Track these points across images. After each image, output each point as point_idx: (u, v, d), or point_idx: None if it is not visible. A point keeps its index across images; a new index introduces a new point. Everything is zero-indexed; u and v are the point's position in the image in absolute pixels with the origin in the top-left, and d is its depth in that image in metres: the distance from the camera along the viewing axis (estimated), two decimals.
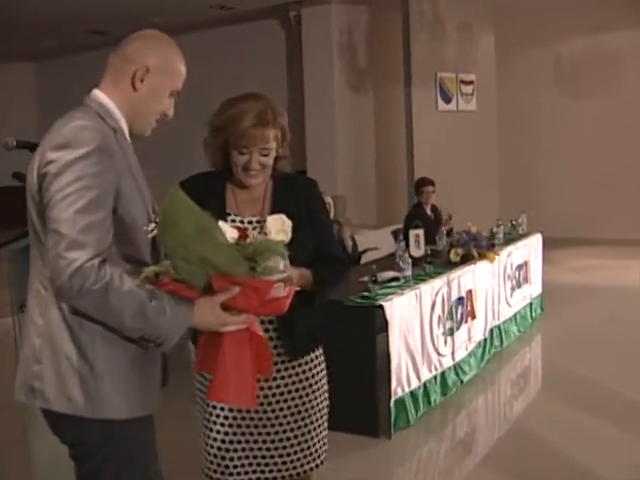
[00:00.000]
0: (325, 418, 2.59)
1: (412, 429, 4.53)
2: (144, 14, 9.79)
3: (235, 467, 2.48)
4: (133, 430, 1.96)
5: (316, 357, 2.55)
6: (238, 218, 2.43)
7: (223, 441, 2.47)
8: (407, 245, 5.30)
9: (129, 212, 1.92)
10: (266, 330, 2.40)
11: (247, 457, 2.48)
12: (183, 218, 1.85)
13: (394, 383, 4.39)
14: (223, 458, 2.48)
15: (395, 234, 6.87)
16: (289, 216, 2.32)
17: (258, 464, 2.48)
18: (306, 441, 2.51)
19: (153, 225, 2.01)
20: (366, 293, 4.46)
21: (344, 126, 9.79)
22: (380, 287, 4.60)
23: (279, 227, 2.29)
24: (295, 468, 2.50)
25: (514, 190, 10.34)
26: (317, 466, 2.55)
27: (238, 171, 2.39)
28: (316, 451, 2.54)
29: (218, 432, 2.47)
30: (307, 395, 2.51)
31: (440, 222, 6.71)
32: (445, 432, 4.69)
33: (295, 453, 2.49)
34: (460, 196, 9.13)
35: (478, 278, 5.56)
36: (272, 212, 2.38)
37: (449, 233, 6.28)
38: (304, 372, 2.50)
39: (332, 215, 6.14)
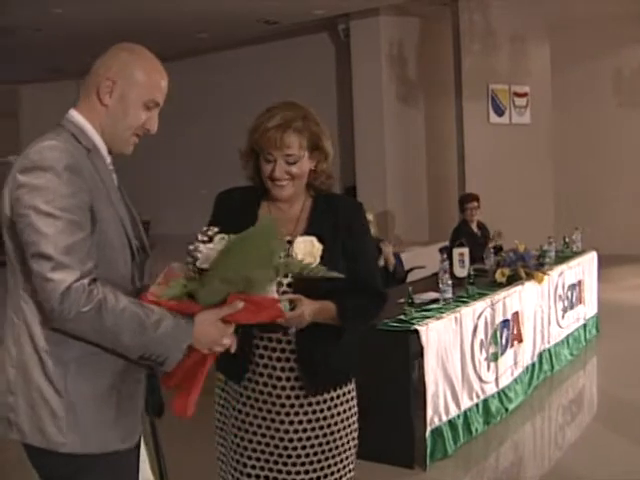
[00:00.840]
0: (351, 459, 2.40)
1: (450, 460, 4.30)
2: (190, 31, 9.83)
3: None
4: (108, 464, 1.88)
5: (343, 394, 2.36)
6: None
7: (249, 475, 2.33)
8: (451, 264, 5.10)
9: (104, 232, 1.85)
10: (287, 360, 2.28)
11: None
12: (264, 248, 1.87)
13: (430, 412, 4.17)
14: None
15: (442, 252, 6.64)
16: (322, 240, 2.18)
17: None
18: (326, 477, 2.32)
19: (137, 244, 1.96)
20: (402, 316, 4.25)
21: (394, 140, 9.61)
22: (418, 310, 4.39)
23: (308, 250, 2.16)
24: None
25: (570, 206, 9.99)
26: None
27: (267, 182, 2.27)
28: None
29: (246, 462, 2.33)
30: (332, 434, 2.32)
31: (487, 240, 6.46)
32: (488, 463, 4.46)
33: None
34: (513, 212, 8.85)
35: (525, 299, 5.28)
36: (306, 233, 2.23)
37: (497, 251, 6.02)
38: (329, 409, 2.32)
39: (373, 232, 5.96)
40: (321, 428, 2.31)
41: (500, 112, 9.35)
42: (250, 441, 2.32)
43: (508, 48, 9.20)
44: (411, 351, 4.10)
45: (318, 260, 2.13)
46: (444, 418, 4.30)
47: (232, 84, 11.53)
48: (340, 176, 10.92)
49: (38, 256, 1.73)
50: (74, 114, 1.92)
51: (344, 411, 2.36)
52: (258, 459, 2.32)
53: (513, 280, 5.23)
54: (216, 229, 1.97)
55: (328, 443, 2.32)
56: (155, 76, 1.94)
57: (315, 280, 2.06)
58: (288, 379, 2.28)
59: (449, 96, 9.32)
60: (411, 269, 6.71)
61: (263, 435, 2.31)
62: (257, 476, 2.33)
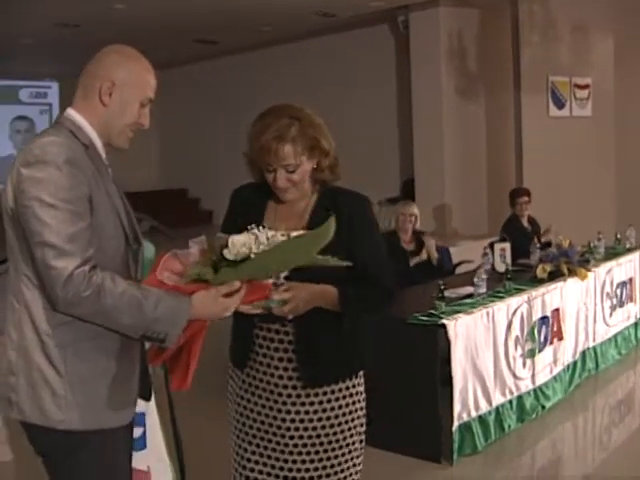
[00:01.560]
0: (356, 454, 2.39)
1: (480, 456, 4.26)
2: (253, 24, 9.92)
3: None
4: (103, 441, 1.98)
5: (346, 388, 2.36)
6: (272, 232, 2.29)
7: (249, 460, 2.39)
8: None
9: (101, 224, 1.96)
10: (285, 350, 2.31)
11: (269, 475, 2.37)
12: (314, 249, 2.00)
13: (458, 407, 4.14)
14: (244, 469, 2.41)
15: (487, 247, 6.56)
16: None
17: None
18: (328, 475, 2.33)
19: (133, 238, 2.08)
20: (432, 310, 4.24)
21: (452, 133, 9.49)
22: (450, 304, 4.36)
23: None
24: None
25: (632, 202, 9.67)
26: None
27: (272, 188, 2.32)
28: None
29: (247, 447, 2.39)
30: (332, 427, 2.33)
31: (537, 235, 6.34)
32: (522, 460, 4.41)
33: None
34: (572, 207, 8.66)
35: (567, 296, 5.18)
36: (308, 228, 2.25)
37: (546, 246, 5.92)
38: (329, 401, 2.33)
39: (419, 226, 5.92)
40: (320, 420, 2.31)
41: (560, 105, 9.13)
42: (251, 427, 2.38)
43: (569, 38, 8.97)
44: (438, 345, 4.08)
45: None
46: (473, 413, 4.26)
47: (294, 76, 11.60)
48: (399, 169, 10.90)
49: (42, 244, 1.84)
50: (72, 113, 2.03)
51: (347, 405, 2.35)
52: (258, 445, 2.36)
53: (555, 276, 5.13)
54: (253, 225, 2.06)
55: (327, 436, 2.32)
56: (147, 75, 2.08)
57: (313, 271, 2.10)
58: (286, 369, 2.31)
59: (509, 89, 9.16)
60: (459, 263, 6.66)
61: (262, 422, 2.35)
62: (256, 462, 2.37)
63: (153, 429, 2.89)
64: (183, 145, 13.78)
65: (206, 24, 9.92)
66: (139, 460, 2.77)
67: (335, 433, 2.33)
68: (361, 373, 2.43)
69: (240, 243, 1.99)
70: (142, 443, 2.84)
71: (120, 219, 2.03)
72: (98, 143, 2.04)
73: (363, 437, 2.43)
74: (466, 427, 4.21)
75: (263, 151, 2.24)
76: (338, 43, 11.03)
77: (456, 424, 4.13)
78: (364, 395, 2.44)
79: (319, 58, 11.31)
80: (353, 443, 2.38)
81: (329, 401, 2.33)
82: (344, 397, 2.35)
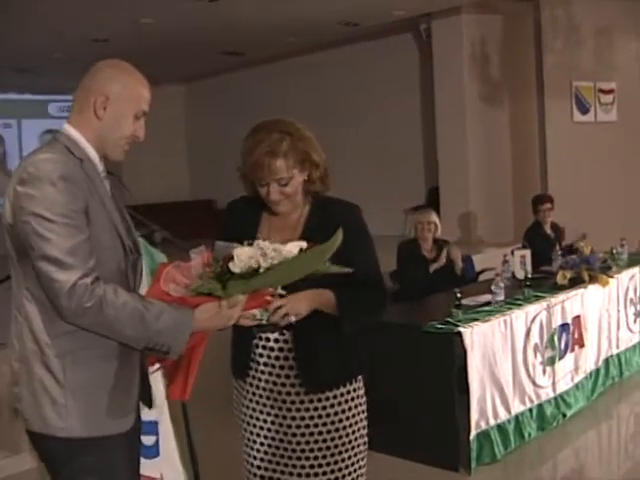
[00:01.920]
0: (360, 457, 2.45)
1: (499, 464, 4.24)
2: (278, 34, 9.99)
3: None
4: (103, 447, 2.02)
5: (347, 392, 2.42)
6: (267, 243, 2.33)
7: (259, 467, 2.45)
8: None
9: (97, 235, 1.99)
10: (285, 358, 2.36)
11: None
12: (322, 261, 2.07)
13: (476, 415, 4.13)
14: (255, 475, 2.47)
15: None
16: (316, 243, 2.21)
17: None
18: (336, 478, 2.39)
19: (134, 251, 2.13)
20: (449, 319, 4.24)
21: (476, 140, 9.46)
22: (467, 312, 4.36)
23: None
24: None
25: None
26: None
27: (266, 202, 2.37)
28: None
29: (256, 455, 2.45)
30: (337, 431, 2.38)
31: (561, 242, 6.30)
32: (543, 469, 4.38)
33: None
34: (598, 214, 8.56)
35: (589, 303, 5.13)
36: (302, 238, 2.27)
37: (569, 252, 5.87)
38: (332, 406, 2.38)
39: (439, 233, 5.89)
40: (324, 425, 2.37)
41: (584, 110, 9.06)
42: (258, 435, 2.43)
43: (592, 43, 8.89)
44: (455, 353, 4.08)
45: None
46: (492, 422, 4.25)
47: (318, 86, 11.65)
48: (424, 177, 10.88)
49: (44, 259, 1.88)
50: (68, 128, 2.07)
51: (349, 409, 2.41)
52: (266, 452, 2.42)
53: (576, 283, 5.09)
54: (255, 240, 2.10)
55: (333, 440, 2.38)
56: (140, 89, 2.09)
57: (311, 281, 2.14)
58: (288, 376, 2.36)
59: (533, 95, 9.11)
60: (482, 271, 6.63)
61: (269, 430, 2.40)
62: (266, 468, 2.43)
63: (166, 437, 2.92)
64: (211, 156, 13.90)
65: (231, 37, 10.01)
66: (152, 468, 2.82)
67: (341, 437, 2.39)
68: (360, 377, 2.48)
69: (246, 256, 2.02)
70: (155, 451, 2.87)
71: (117, 230, 2.06)
72: (94, 157, 2.07)
73: (366, 439, 2.49)
74: (484, 436, 4.19)
75: (256, 166, 2.29)
76: (362, 52, 11.06)
77: (474, 433, 4.12)
78: (365, 398, 2.49)
79: (343, 68, 11.35)
80: (358, 445, 2.44)
81: (332, 406, 2.38)
82: (346, 401, 2.41)
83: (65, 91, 13.17)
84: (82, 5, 7.93)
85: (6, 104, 12.98)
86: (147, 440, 2.80)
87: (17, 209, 1.92)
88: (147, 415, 2.69)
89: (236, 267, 2.01)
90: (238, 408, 2.51)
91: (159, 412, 2.84)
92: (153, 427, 2.84)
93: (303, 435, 2.37)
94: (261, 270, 2.01)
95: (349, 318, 2.37)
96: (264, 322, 2.20)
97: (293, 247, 2.15)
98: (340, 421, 2.38)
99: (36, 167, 1.92)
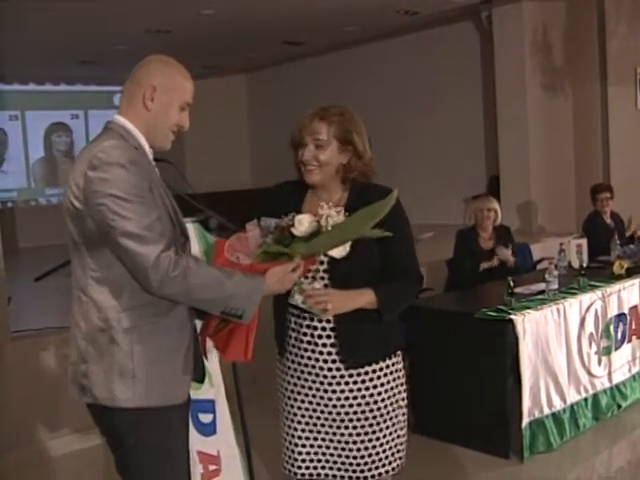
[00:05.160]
0: (399, 426, 2.57)
1: (554, 454, 4.24)
2: (337, 23, 10.02)
3: (304, 461, 2.56)
4: (165, 417, 2.16)
5: (386, 366, 2.53)
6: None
7: (300, 437, 2.56)
8: None
9: (159, 217, 2.13)
10: (328, 337, 2.48)
11: (316, 453, 2.55)
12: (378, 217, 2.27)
13: (529, 403, 4.14)
14: (294, 450, 2.57)
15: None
16: None
17: (327, 461, 2.54)
18: (374, 447, 2.51)
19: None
20: (501, 306, 4.25)
21: (538, 128, 9.33)
22: (520, 300, 4.36)
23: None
24: (362, 472, 2.51)
25: None
26: (387, 472, 2.53)
27: (301, 168, 2.49)
28: (386, 457, 2.53)
29: (297, 426, 2.56)
30: (375, 403, 2.50)
31: (620, 231, 6.21)
32: (598, 460, 4.34)
33: (362, 457, 2.50)
34: None
35: None
36: None
37: (630, 242, 5.80)
38: (371, 380, 2.50)
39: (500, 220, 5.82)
40: (363, 397, 2.48)
41: None
42: (299, 408, 2.55)
43: None
44: (507, 341, 4.09)
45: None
46: (546, 411, 4.25)
47: (378, 75, 11.63)
48: (485, 166, 10.79)
49: (126, 236, 2.02)
50: (120, 119, 2.21)
51: (387, 382, 2.52)
52: (307, 424, 2.55)
53: (634, 273, 5.03)
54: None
55: (372, 411, 2.49)
56: (184, 81, 2.25)
57: (350, 264, 2.35)
58: (330, 353, 2.47)
59: (596, 82, 8.94)
60: (540, 260, 6.59)
61: (310, 403, 2.52)
62: (304, 445, 2.55)
63: (223, 416, 3.01)
64: (272, 145, 14.03)
65: (291, 26, 10.08)
66: (209, 445, 2.92)
67: (379, 408, 2.50)
68: (399, 352, 2.58)
69: (307, 220, 2.29)
70: (212, 429, 2.96)
71: (169, 213, 2.20)
72: (146, 146, 2.21)
73: (405, 410, 2.60)
74: (539, 424, 4.20)
75: (301, 124, 2.46)
76: (422, 41, 11.00)
77: (526, 420, 4.12)
78: (403, 372, 2.59)
79: (403, 57, 11.31)
80: (396, 416, 2.55)
81: (371, 380, 2.50)
82: (385, 375, 2.52)
83: None
84: None
85: (73, 96, 13.30)
86: (205, 418, 2.91)
87: (90, 193, 2.05)
88: (205, 394, 2.83)
89: (298, 231, 2.26)
90: (282, 384, 2.62)
91: (216, 391, 2.94)
92: (211, 405, 2.94)
93: (343, 407, 2.48)
94: (323, 230, 2.26)
95: (389, 313, 2.46)
96: (303, 307, 2.37)
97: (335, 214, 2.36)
98: (379, 394, 2.50)
99: (106, 153, 2.06)
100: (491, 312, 4.18)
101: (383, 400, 2.51)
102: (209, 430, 2.95)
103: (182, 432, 2.27)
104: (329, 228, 2.28)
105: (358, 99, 11.79)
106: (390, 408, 2.53)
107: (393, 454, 2.55)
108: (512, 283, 4.31)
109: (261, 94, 14.20)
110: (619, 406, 4.75)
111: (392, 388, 2.54)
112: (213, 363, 2.81)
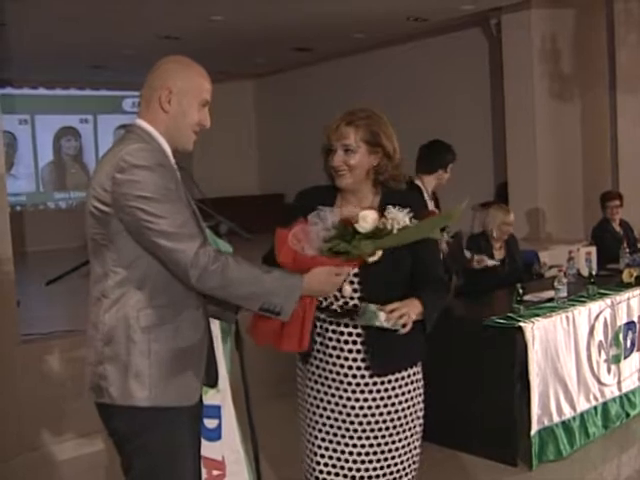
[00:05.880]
0: (416, 437, 2.57)
1: (563, 462, 4.22)
2: (346, 30, 10.04)
3: (321, 472, 2.55)
4: (172, 419, 2.17)
5: (408, 376, 2.54)
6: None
7: (319, 447, 2.55)
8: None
9: None
10: (354, 342, 2.48)
11: (334, 466, 2.53)
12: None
13: (538, 411, 4.12)
14: (312, 459, 2.57)
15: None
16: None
17: (347, 471, 2.52)
18: (393, 457, 2.51)
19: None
20: (510, 314, 4.23)
21: (546, 136, 9.32)
22: (529, 308, 4.34)
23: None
24: None
25: None
26: None
27: (332, 173, 2.51)
28: (403, 469, 2.53)
29: (317, 434, 2.56)
30: (396, 412, 2.51)
31: (630, 239, 6.19)
32: (606, 469, 4.32)
33: (382, 468, 2.50)
34: None
35: None
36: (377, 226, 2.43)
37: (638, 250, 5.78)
38: (393, 389, 2.51)
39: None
40: (385, 406, 2.49)
41: None
42: (321, 415, 2.55)
43: None
44: (516, 348, 4.07)
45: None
46: (556, 419, 4.23)
47: (386, 82, 11.64)
48: (493, 173, 10.78)
49: (162, 236, 2.06)
50: (141, 122, 2.22)
51: (408, 391, 2.53)
52: (327, 432, 2.54)
53: None
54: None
55: (392, 420, 2.50)
56: (200, 79, 2.25)
57: (380, 271, 2.37)
58: (355, 360, 2.48)
59: (605, 90, 8.92)
60: (550, 267, 6.56)
61: (332, 411, 2.52)
62: (326, 448, 2.54)
63: (228, 421, 3.01)
64: (280, 151, 14.05)
65: (300, 32, 10.10)
66: (214, 450, 2.91)
67: (399, 418, 2.51)
68: (420, 362, 2.59)
69: (371, 218, 2.27)
70: (217, 434, 2.96)
71: (195, 215, 2.23)
72: (167, 148, 2.22)
73: (422, 421, 2.60)
74: (548, 432, 4.18)
75: (328, 132, 2.47)
76: (431, 48, 11.01)
77: (535, 428, 4.11)
78: (422, 382, 2.60)
79: (412, 63, 11.32)
80: (414, 427, 2.56)
81: (393, 388, 2.50)
82: (406, 384, 2.53)
83: (138, 87, 13.55)
84: (154, 3, 8.14)
85: (83, 100, 13.37)
86: (210, 423, 2.89)
87: (119, 195, 2.06)
88: (211, 399, 2.81)
89: (361, 227, 2.25)
90: (303, 390, 2.61)
91: (222, 397, 2.93)
92: (216, 411, 2.93)
93: (365, 416, 2.48)
94: (394, 231, 2.25)
95: (431, 323, 2.47)
96: (385, 326, 2.32)
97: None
98: (400, 403, 2.51)
99: (133, 155, 2.08)
100: (500, 319, 4.17)
101: (404, 410, 2.52)
102: (214, 435, 2.94)
103: (192, 433, 2.27)
104: (394, 231, 2.26)
105: (366, 105, 11.84)
106: (410, 418, 2.54)
107: (410, 465, 2.56)
108: (521, 291, 4.30)
109: (269, 100, 14.22)
110: (628, 415, 4.73)
111: (412, 398, 2.55)
112: (219, 368, 2.81)
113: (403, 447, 2.52)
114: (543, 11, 9.20)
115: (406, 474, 2.53)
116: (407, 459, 2.53)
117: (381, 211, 2.41)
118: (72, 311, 6.53)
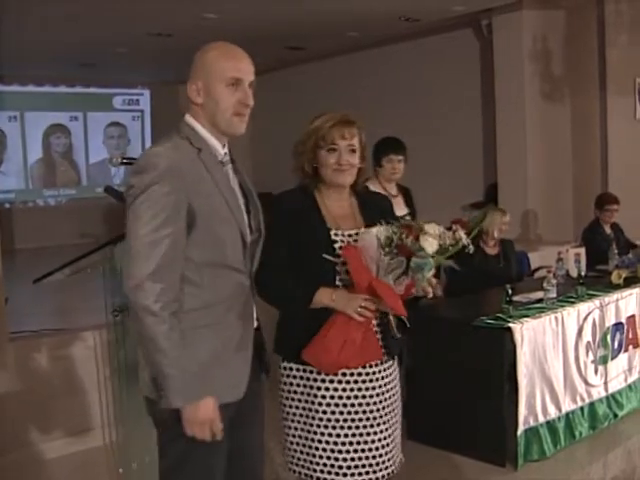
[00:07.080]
0: (393, 429, 2.62)
1: (548, 462, 4.24)
2: (339, 29, 10.05)
3: (299, 459, 2.63)
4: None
5: (384, 369, 2.62)
6: (340, 232, 2.55)
7: (294, 436, 2.65)
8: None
9: (210, 225, 2.13)
10: None
11: (309, 454, 2.60)
12: None
13: (525, 411, 4.14)
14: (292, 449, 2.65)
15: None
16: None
17: (325, 464, 2.58)
18: (370, 450, 2.56)
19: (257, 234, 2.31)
20: (500, 314, 4.25)
21: (536, 136, 9.34)
22: (518, 308, 4.36)
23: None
24: (353, 475, 2.55)
25: None
26: (383, 477, 2.57)
27: (328, 172, 2.56)
28: (382, 463, 2.57)
29: (291, 425, 2.64)
30: (375, 404, 2.57)
31: (619, 242, 6.22)
32: (592, 469, 4.33)
33: (360, 459, 2.55)
34: None
35: None
36: (366, 226, 2.50)
37: (627, 251, 5.80)
38: (371, 381, 2.58)
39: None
40: (364, 397, 2.55)
41: None
42: (297, 407, 2.62)
43: None
44: (504, 349, 4.09)
45: None
46: (541, 419, 4.24)
47: (378, 81, 11.64)
48: (482, 173, 10.80)
49: (127, 246, 2.09)
50: (188, 118, 2.24)
51: (386, 384, 2.61)
52: (298, 421, 2.61)
53: (632, 282, 5.04)
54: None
55: (364, 412, 2.55)
56: (221, 61, 2.20)
57: None
58: None
59: (595, 92, 8.96)
60: (538, 268, 6.61)
61: (306, 401, 2.59)
62: (300, 436, 2.61)
63: None
64: (272, 150, 14.04)
65: (293, 31, 10.10)
66: None
67: (378, 409, 2.59)
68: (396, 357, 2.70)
69: (435, 236, 2.29)
70: None
71: (233, 215, 2.18)
72: (213, 144, 2.22)
73: (400, 416, 2.72)
74: (533, 432, 4.19)
75: (335, 130, 2.52)
76: (423, 48, 11.01)
77: (522, 428, 4.12)
78: (399, 376, 2.72)
79: (403, 63, 11.33)
80: (392, 419, 2.63)
81: (371, 380, 2.58)
82: (382, 377, 2.61)
83: (129, 84, 13.49)
84: (146, 1, 8.12)
85: (72, 97, 13.29)
86: None
87: (126, 196, 2.10)
88: None
89: (430, 245, 2.28)
90: (282, 388, 2.67)
91: None
92: None
93: (337, 405, 2.54)
94: (459, 247, 2.31)
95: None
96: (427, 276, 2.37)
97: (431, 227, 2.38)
98: (377, 395, 2.57)
99: (147, 160, 2.10)
100: (489, 320, 4.18)
101: (382, 402, 2.57)
102: None
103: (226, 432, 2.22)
104: (459, 247, 2.32)
105: (358, 104, 11.80)
106: (388, 410, 2.59)
107: (390, 459, 2.58)
108: (510, 291, 4.31)
109: (263, 98, 14.03)
110: (615, 415, 4.75)
111: (389, 390, 2.61)
112: None
113: (380, 440, 2.56)
114: (534, 12, 9.22)
115: (386, 467, 2.57)
116: (386, 453, 2.58)
117: (361, 208, 2.57)
118: (60, 309, 6.53)
